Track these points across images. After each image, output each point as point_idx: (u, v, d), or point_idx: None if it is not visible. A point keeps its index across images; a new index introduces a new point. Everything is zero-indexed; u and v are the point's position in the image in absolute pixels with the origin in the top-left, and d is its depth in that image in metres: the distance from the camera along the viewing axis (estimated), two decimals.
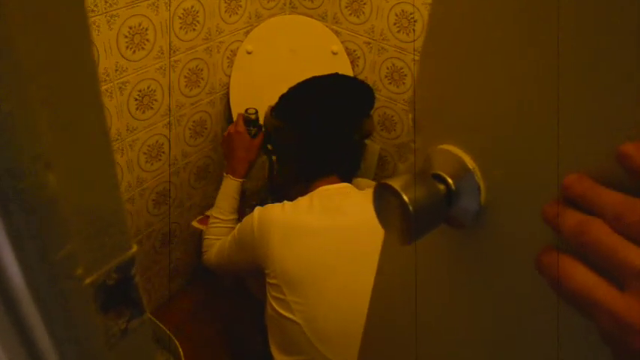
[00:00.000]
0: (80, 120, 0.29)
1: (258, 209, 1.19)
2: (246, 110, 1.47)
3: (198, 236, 1.48)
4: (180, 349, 1.13)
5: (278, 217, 1.16)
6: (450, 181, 0.43)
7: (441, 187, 0.43)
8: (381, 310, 0.69)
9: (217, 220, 1.39)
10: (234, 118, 1.65)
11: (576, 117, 0.35)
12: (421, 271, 0.56)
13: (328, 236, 1.15)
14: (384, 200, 0.43)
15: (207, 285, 1.91)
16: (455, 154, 0.43)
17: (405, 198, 0.40)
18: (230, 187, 1.41)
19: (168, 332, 1.15)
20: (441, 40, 0.43)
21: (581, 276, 0.32)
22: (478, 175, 0.42)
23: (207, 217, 1.56)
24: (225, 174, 1.44)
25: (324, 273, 1.12)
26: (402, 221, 0.41)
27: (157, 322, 1.17)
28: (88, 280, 0.33)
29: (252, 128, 1.45)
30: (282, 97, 1.31)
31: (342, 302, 1.11)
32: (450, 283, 0.53)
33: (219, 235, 1.37)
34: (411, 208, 0.40)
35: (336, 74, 1.34)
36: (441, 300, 0.56)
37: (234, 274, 1.39)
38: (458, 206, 0.44)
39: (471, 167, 0.43)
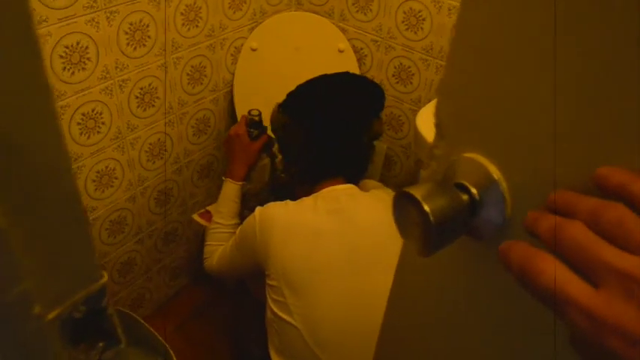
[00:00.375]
0: (34, 138, 0.26)
1: (259, 209, 1.16)
2: (250, 112, 1.44)
3: (201, 234, 1.46)
4: (174, 356, 1.11)
5: (280, 215, 1.14)
6: (473, 191, 0.42)
7: (464, 197, 0.41)
8: (397, 318, 0.67)
9: (218, 226, 1.37)
10: (238, 116, 1.62)
11: (610, 128, 0.33)
12: (438, 281, 0.54)
13: (331, 238, 1.12)
14: (404, 209, 0.41)
15: (210, 284, 1.89)
16: (480, 163, 0.42)
17: (427, 208, 0.39)
18: (229, 190, 1.38)
19: (161, 339, 1.13)
20: (470, 43, 0.41)
21: (554, 270, 0.31)
22: (504, 186, 0.41)
23: (208, 211, 1.53)
24: (224, 177, 1.42)
25: (325, 276, 1.09)
26: (423, 232, 0.40)
27: (151, 329, 1.15)
28: (50, 316, 0.30)
29: (253, 130, 1.42)
30: (291, 94, 1.28)
31: (343, 308, 1.09)
32: (467, 296, 0.52)
33: (220, 241, 1.34)
34: (432, 218, 0.39)
35: (347, 73, 1.31)
36: (458, 312, 0.54)
37: (237, 278, 1.37)
38: (481, 217, 0.42)
39: (496, 177, 0.41)
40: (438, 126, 0.47)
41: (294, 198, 1.19)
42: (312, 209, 1.15)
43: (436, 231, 0.39)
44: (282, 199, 1.20)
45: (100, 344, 0.35)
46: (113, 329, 0.36)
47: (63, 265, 0.29)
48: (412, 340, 0.66)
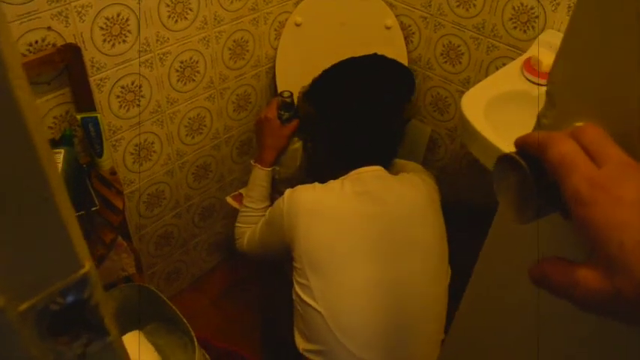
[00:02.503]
0: None
1: (288, 191, 1.14)
2: (281, 93, 1.38)
3: (237, 214, 1.44)
4: (194, 337, 1.10)
5: (307, 198, 1.11)
6: None
7: None
8: (481, 296, 0.67)
9: (248, 209, 1.35)
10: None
11: None
12: (524, 257, 0.51)
13: (358, 223, 1.08)
14: (506, 172, 0.42)
15: (246, 261, 1.88)
16: None
17: (530, 172, 0.39)
18: (258, 176, 1.35)
19: (182, 318, 1.13)
20: (594, 11, 0.40)
21: (568, 144, 0.37)
22: None
23: (241, 194, 1.51)
24: (252, 162, 1.38)
25: (351, 261, 1.06)
26: (522, 198, 0.40)
27: (174, 307, 1.15)
28: (21, 308, 0.27)
29: (284, 112, 1.36)
30: (315, 81, 1.23)
31: (369, 294, 1.05)
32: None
33: (250, 224, 1.32)
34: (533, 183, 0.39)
35: (374, 55, 1.24)
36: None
37: (268, 259, 1.35)
38: None
39: None
40: (549, 93, 0.45)
41: (323, 180, 1.16)
42: (339, 193, 1.11)
43: (537, 198, 0.39)
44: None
45: (84, 336, 0.33)
46: (99, 321, 0.33)
47: (33, 256, 0.27)
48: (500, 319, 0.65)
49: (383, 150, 1.21)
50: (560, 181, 0.37)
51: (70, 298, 0.30)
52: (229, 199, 1.54)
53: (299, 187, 1.14)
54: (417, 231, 1.11)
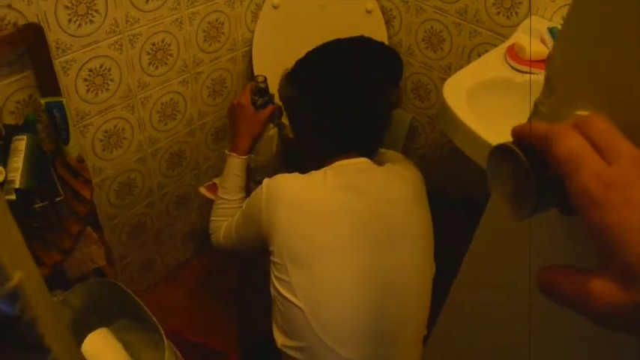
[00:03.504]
0: None
1: (266, 180, 1.09)
2: (255, 77, 1.32)
3: (211, 203, 1.39)
4: (162, 330, 1.06)
5: (287, 187, 1.06)
6: None
7: None
8: (470, 290, 0.64)
9: (223, 201, 1.29)
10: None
11: None
12: (520, 252, 0.49)
13: (341, 216, 1.04)
14: (502, 164, 0.39)
15: (221, 252, 1.84)
16: None
17: (529, 165, 0.37)
18: (233, 165, 1.29)
19: (151, 315, 1.08)
20: None
21: (575, 138, 0.34)
22: None
23: (215, 184, 1.46)
24: (227, 152, 1.32)
25: (332, 255, 1.02)
26: (520, 192, 0.38)
27: (142, 304, 1.10)
28: None
29: (258, 98, 1.30)
30: (299, 63, 1.17)
31: (351, 288, 1.02)
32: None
33: (225, 217, 1.27)
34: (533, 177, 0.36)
35: (362, 37, 1.19)
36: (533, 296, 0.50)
37: (246, 254, 1.29)
38: None
39: None
40: (548, 79, 0.42)
41: (304, 172, 1.11)
42: (320, 184, 1.06)
43: (537, 192, 0.36)
44: (292, 171, 1.12)
45: (19, 358, 0.29)
46: (37, 339, 0.29)
47: None
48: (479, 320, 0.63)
49: (369, 136, 1.16)
50: (566, 178, 0.34)
51: None
52: (203, 190, 1.49)
53: (278, 176, 1.09)
54: (404, 223, 1.08)
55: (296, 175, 1.09)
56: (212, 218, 1.30)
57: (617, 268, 0.30)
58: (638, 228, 0.29)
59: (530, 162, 0.37)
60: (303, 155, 1.25)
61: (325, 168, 1.10)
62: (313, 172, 1.10)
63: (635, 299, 0.29)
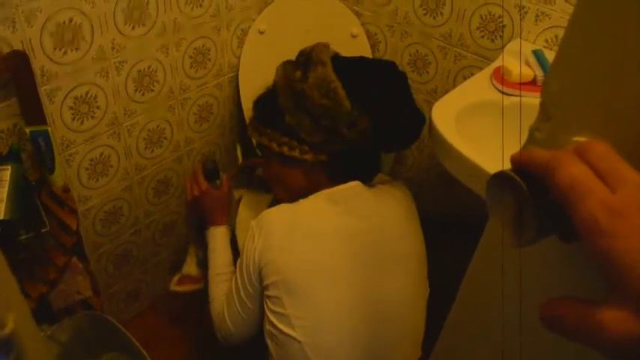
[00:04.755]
0: None
1: (253, 220, 1.07)
2: (204, 164, 1.32)
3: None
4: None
5: (278, 216, 1.05)
6: None
7: None
8: (469, 313, 0.64)
9: (217, 277, 1.22)
10: (244, 103, 1.53)
11: None
12: (514, 279, 0.49)
13: (334, 240, 1.03)
14: (501, 191, 0.39)
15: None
16: None
17: (529, 193, 0.37)
18: (217, 239, 1.26)
19: (137, 345, 1.05)
20: (591, 20, 0.38)
21: (578, 166, 0.34)
22: None
23: (185, 275, 1.39)
24: (205, 230, 1.29)
25: (327, 280, 1.00)
26: (521, 219, 0.38)
27: (128, 334, 1.07)
28: None
29: (216, 182, 1.31)
30: (352, 74, 1.09)
31: (350, 316, 1.00)
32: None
33: (224, 290, 1.19)
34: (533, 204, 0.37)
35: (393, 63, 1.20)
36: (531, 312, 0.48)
37: (256, 322, 1.11)
38: None
39: None
40: (544, 105, 0.43)
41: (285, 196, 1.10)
42: (312, 208, 1.05)
43: (537, 219, 0.36)
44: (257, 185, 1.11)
45: None
46: None
47: None
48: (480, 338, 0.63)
49: (369, 165, 1.17)
50: (570, 207, 0.33)
51: None
52: (175, 287, 1.38)
53: (265, 211, 1.07)
54: (398, 244, 1.07)
55: (281, 206, 1.07)
56: (210, 301, 1.19)
57: (627, 296, 0.29)
58: None
59: (530, 189, 0.37)
60: (291, 191, 1.19)
61: (314, 195, 1.08)
62: (301, 200, 1.08)
63: None
